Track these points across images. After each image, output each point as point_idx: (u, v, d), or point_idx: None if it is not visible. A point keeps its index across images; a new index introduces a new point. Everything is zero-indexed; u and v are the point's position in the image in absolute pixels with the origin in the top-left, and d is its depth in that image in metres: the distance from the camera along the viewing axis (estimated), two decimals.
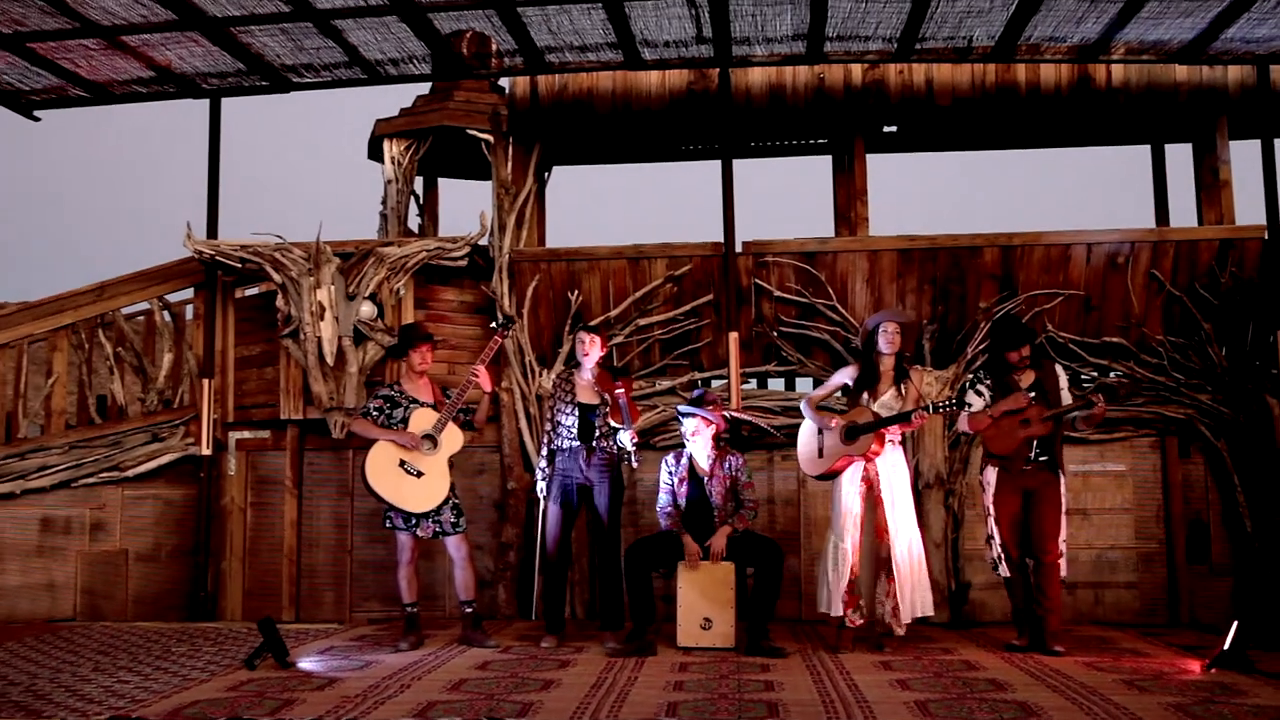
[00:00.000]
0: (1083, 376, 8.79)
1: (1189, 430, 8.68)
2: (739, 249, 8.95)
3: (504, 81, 9.71)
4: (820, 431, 7.14)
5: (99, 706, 5.42)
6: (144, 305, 9.52)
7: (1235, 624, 6.39)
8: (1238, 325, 8.66)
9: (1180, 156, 10.22)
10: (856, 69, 9.37)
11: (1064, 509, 6.96)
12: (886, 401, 7.07)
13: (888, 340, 7.15)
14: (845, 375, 7.31)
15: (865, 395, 7.11)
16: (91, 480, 9.10)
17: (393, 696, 5.56)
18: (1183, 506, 8.67)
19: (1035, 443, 6.91)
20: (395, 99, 10.39)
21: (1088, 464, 8.68)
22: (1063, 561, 6.98)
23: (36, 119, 9.49)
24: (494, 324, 7.69)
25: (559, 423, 7.45)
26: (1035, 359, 7.17)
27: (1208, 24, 7.99)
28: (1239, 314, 8.65)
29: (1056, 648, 6.76)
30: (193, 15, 7.90)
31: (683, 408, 7.36)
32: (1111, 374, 8.77)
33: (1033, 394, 6.93)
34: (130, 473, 9.14)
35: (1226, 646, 6.27)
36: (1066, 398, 6.98)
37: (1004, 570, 7.04)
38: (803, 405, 7.32)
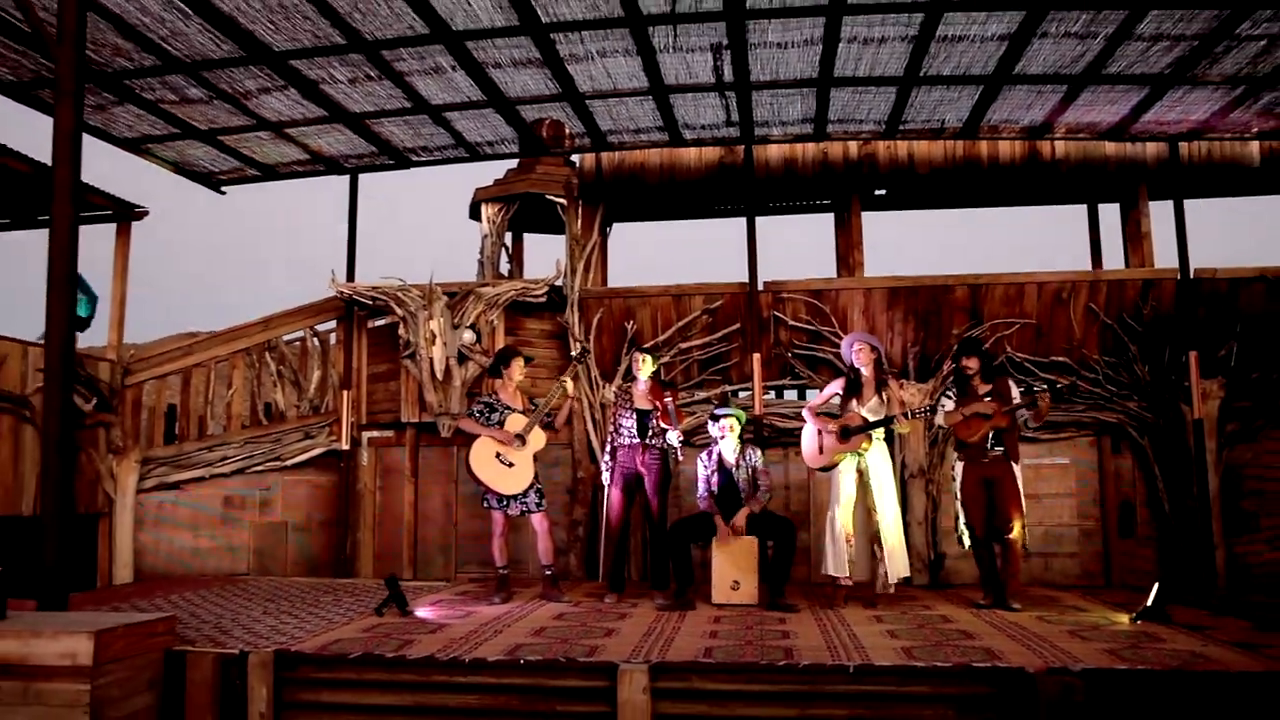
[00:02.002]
0: (1035, 388, 8.71)
1: (1119, 431, 8.58)
2: (760, 287, 8.95)
3: (575, 157, 9.79)
4: (820, 433, 7.14)
5: (267, 640, 5.52)
6: (299, 333, 9.65)
7: (1156, 585, 6.32)
8: (1158, 348, 8.55)
9: (1110, 213, 10.14)
10: (853, 145, 9.38)
11: (1021, 493, 6.90)
12: (873, 407, 7.06)
13: (855, 357, 7.17)
14: (836, 386, 7.30)
15: (854, 402, 7.10)
16: (260, 468, 9.26)
17: (488, 639, 5.61)
18: (1115, 492, 8.56)
19: (992, 435, 6.88)
20: (490, 172, 10.51)
21: (1039, 458, 8.59)
22: (1024, 533, 6.92)
23: (223, 192, 9.68)
24: (573, 354, 7.73)
25: (620, 425, 7.48)
26: (991, 374, 7.12)
27: (1129, 110, 7.93)
28: (1158, 338, 8.55)
29: (1014, 605, 6.70)
30: (339, 112, 8.04)
31: (717, 410, 7.38)
32: (1058, 385, 8.69)
33: (989, 398, 6.93)
34: (289, 462, 9.29)
35: (1149, 603, 6.21)
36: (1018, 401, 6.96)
37: (966, 543, 7.02)
38: (805, 413, 7.31)
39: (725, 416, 7.21)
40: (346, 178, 9.53)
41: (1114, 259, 10.08)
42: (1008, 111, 8.08)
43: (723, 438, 7.19)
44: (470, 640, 5.58)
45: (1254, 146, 9.19)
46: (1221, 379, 8.32)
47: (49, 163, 6.02)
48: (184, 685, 5.18)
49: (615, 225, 10.41)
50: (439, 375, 8.81)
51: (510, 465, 7.14)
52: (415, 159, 9.14)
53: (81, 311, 9.31)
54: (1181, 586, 7.67)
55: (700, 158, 9.60)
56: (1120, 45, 6.91)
